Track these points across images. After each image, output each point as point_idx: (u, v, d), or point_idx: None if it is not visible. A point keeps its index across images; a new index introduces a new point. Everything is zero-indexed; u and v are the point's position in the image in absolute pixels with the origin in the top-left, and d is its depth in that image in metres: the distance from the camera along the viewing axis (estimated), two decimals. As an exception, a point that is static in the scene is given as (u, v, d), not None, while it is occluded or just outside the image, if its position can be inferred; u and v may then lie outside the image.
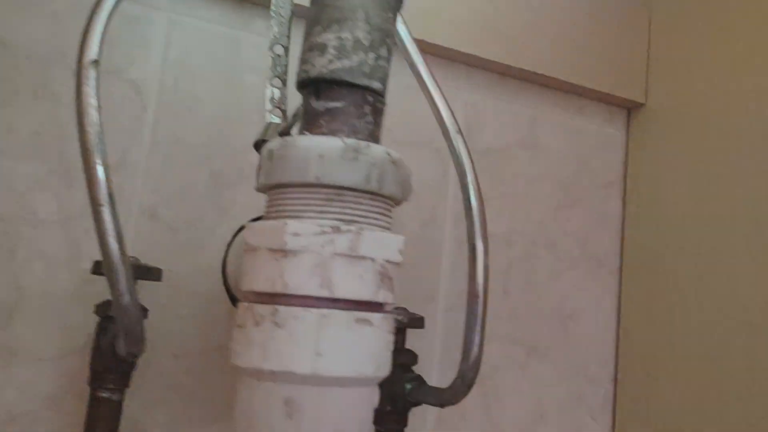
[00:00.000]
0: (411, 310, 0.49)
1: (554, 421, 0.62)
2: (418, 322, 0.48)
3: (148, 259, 0.46)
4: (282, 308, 0.29)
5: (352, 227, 0.30)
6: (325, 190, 0.30)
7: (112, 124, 0.46)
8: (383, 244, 0.31)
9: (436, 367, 0.57)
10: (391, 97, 0.46)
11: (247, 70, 0.51)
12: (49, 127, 0.45)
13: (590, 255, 0.66)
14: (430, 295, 0.57)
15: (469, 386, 0.42)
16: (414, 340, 0.52)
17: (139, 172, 0.47)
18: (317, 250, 0.29)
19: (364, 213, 0.31)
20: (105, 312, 0.39)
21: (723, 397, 0.53)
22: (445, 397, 0.43)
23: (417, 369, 0.46)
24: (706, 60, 0.60)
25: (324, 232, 0.29)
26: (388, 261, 0.31)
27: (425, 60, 0.46)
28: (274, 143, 0.31)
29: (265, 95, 0.44)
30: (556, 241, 0.64)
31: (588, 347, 0.64)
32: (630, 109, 0.69)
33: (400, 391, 0.45)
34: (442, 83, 0.51)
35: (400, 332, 0.48)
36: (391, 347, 0.31)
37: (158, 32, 0.49)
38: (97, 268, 0.40)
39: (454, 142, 0.44)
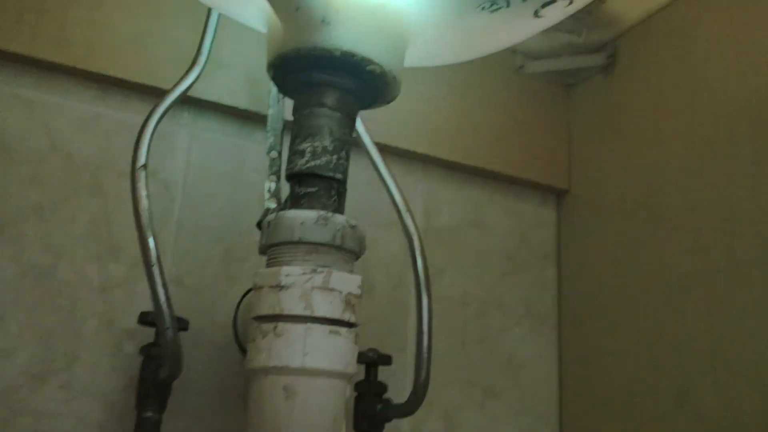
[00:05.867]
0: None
1: (509, 452, 0.74)
2: (385, 359, 0.61)
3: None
4: (280, 324, 0.43)
5: (325, 270, 0.44)
6: (305, 246, 0.45)
7: (148, 214, 0.61)
8: (347, 281, 0.45)
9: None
10: (362, 191, 0.62)
11: (251, 170, 0.67)
12: (101, 217, 0.60)
13: (533, 314, 0.79)
14: (401, 346, 0.71)
15: (421, 399, 0.55)
16: (387, 377, 0.64)
17: (169, 249, 0.62)
18: (302, 285, 0.43)
19: (332, 261, 0.45)
20: (148, 351, 0.53)
21: (655, 425, 0.66)
22: (405, 409, 0.56)
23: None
24: (612, 157, 0.76)
25: (305, 273, 0.44)
26: (350, 293, 0.45)
27: (383, 158, 0.62)
28: (271, 216, 0.46)
29: (264, 188, 0.59)
30: (504, 303, 0.78)
31: (535, 390, 0.77)
32: (558, 194, 0.84)
33: (373, 412, 0.58)
34: (404, 177, 0.67)
35: (371, 367, 0.61)
36: (355, 353, 0.45)
37: (182, 143, 0.64)
38: (143, 318, 0.54)
39: (404, 217, 0.59)
